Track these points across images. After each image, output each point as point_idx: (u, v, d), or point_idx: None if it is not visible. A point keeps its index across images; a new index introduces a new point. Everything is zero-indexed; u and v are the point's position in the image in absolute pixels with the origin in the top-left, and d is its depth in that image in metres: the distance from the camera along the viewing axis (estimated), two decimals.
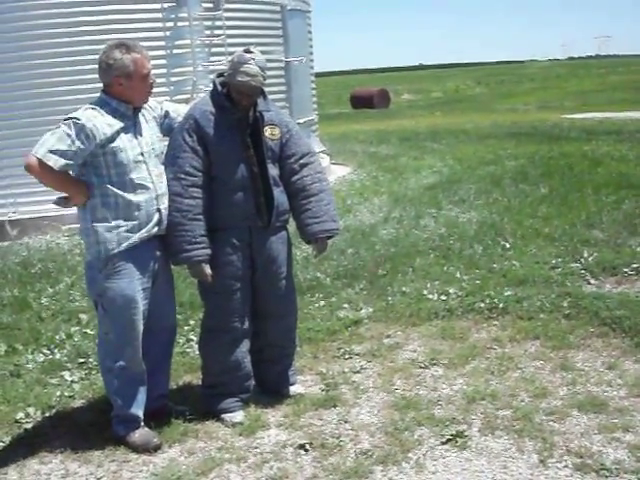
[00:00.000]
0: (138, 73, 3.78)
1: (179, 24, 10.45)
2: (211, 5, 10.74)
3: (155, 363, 4.11)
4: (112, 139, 3.73)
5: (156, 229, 3.89)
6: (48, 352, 5.34)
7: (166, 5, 10.31)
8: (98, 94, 3.88)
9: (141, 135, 3.87)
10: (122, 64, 3.74)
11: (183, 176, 3.94)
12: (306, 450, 3.83)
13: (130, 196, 3.77)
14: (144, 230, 3.83)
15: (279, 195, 4.14)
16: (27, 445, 4.07)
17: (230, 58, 4.09)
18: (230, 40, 10.63)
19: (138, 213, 3.80)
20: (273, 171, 4.13)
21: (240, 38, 10.73)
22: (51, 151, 3.60)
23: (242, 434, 4.04)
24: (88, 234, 3.81)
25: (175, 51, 10.42)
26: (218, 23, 10.78)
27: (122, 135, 3.77)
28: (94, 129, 3.67)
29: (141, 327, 3.90)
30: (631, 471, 3.42)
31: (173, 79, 10.34)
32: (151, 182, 3.84)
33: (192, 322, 5.57)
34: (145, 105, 4.00)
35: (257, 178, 4.06)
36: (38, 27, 9.80)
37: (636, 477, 3.36)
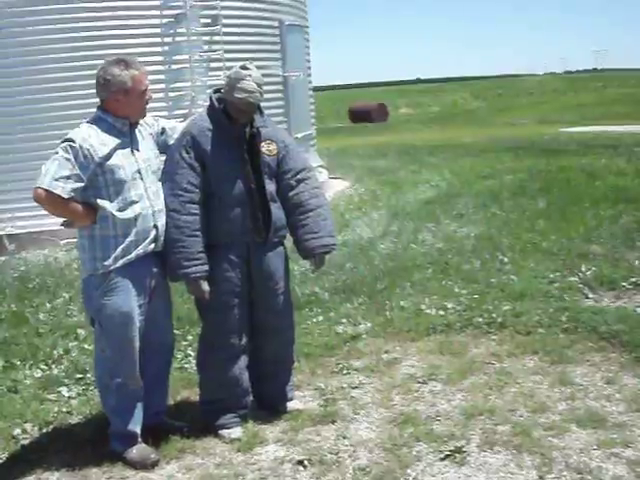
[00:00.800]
0: (136, 89, 3.78)
1: (177, 39, 10.50)
2: (209, 21, 10.79)
3: (153, 380, 4.09)
4: (109, 157, 3.72)
5: (152, 245, 3.87)
6: (46, 367, 5.33)
7: (165, 21, 10.36)
8: (94, 110, 3.89)
9: (138, 151, 3.87)
10: (120, 80, 3.74)
11: (180, 192, 3.93)
12: (304, 466, 3.81)
13: (127, 213, 3.76)
14: (140, 247, 3.82)
15: (276, 211, 4.14)
16: (24, 461, 4.06)
17: (227, 75, 4.09)
18: (228, 55, 10.66)
19: (135, 230, 3.78)
20: (270, 187, 4.13)
21: (238, 53, 10.77)
22: (56, 179, 3.59)
23: (240, 450, 4.02)
24: (84, 250, 3.81)
25: (173, 66, 10.46)
26: (216, 38, 10.83)
27: (119, 152, 3.76)
28: (90, 149, 3.67)
29: (137, 343, 3.87)
30: None
31: (171, 94, 10.37)
32: (147, 199, 3.83)
33: (190, 337, 5.56)
34: (142, 121, 4.00)
35: (254, 194, 4.07)
36: (37, 42, 9.84)
37: None
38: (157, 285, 3.98)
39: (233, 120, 4.05)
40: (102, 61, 3.86)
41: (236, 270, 4.09)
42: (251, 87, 3.94)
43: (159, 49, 10.32)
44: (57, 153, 3.67)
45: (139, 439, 3.99)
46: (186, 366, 5.11)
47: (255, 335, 4.29)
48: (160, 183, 3.97)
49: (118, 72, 3.74)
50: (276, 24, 12.21)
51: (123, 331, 3.82)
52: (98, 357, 4.02)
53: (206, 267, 3.98)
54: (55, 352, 5.57)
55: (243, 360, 4.25)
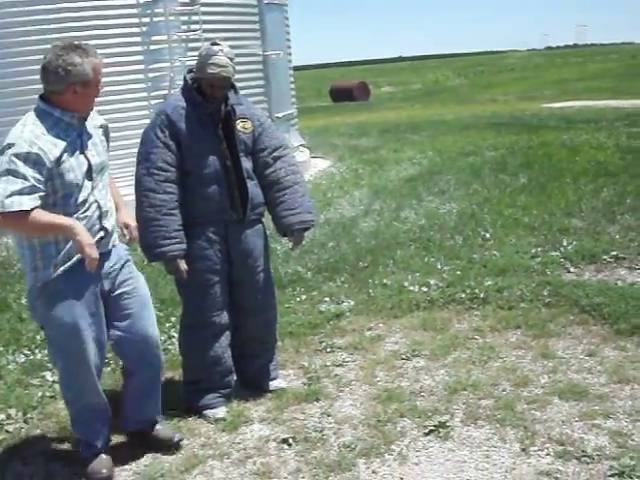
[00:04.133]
0: (95, 80, 3.32)
1: (155, 19, 10.36)
2: (187, 0, 10.68)
3: (141, 385, 3.79)
4: (59, 160, 3.26)
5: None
6: (29, 352, 5.31)
7: (142, 1, 10.22)
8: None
9: (87, 148, 3.42)
10: (82, 70, 3.25)
11: (156, 171, 3.93)
12: (289, 444, 3.83)
13: (69, 218, 3.30)
14: None
15: (253, 188, 4.14)
16: (9, 446, 4.05)
17: (198, 53, 4.08)
18: (207, 35, 10.53)
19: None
20: (246, 164, 4.13)
21: (217, 33, 10.64)
22: (8, 196, 3.12)
23: (225, 430, 4.04)
24: (25, 261, 3.43)
25: (152, 47, 10.32)
26: (195, 18, 10.72)
27: (69, 151, 3.31)
28: (40, 154, 3.18)
29: (92, 356, 3.48)
30: (612, 457, 3.45)
31: (150, 75, 10.25)
32: (94, 200, 3.43)
33: (173, 319, 5.55)
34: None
35: (230, 171, 4.07)
36: (6, 15, 9.64)
37: (617, 463, 3.38)
38: (118, 283, 3.59)
39: (208, 98, 4.04)
40: (51, 46, 3.34)
41: (214, 248, 4.09)
42: (224, 61, 3.95)
43: (137, 29, 10.18)
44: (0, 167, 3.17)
45: (101, 451, 3.72)
46: (170, 347, 5.10)
47: (237, 314, 4.29)
48: (107, 179, 3.59)
49: (79, 60, 3.23)
50: (255, 2, 12.09)
51: (71, 343, 3.44)
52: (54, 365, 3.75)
53: (183, 246, 3.97)
54: (38, 337, 5.54)
55: (225, 339, 4.25)
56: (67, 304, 3.38)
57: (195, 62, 4.08)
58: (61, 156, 3.26)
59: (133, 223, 3.81)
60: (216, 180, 4.04)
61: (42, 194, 3.20)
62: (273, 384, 4.45)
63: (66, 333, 3.41)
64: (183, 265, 4.00)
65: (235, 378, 4.40)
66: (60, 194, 3.30)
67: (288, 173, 4.20)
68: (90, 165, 3.40)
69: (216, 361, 4.23)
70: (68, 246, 3.33)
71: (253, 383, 4.46)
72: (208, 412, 4.19)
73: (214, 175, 4.04)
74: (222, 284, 4.16)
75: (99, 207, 3.46)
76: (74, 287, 3.40)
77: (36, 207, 3.18)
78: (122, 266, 3.63)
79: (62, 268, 3.35)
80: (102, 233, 3.48)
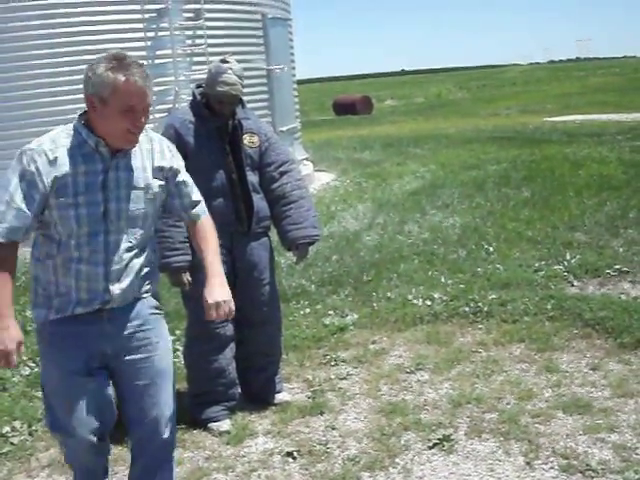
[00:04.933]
0: (117, 102, 2.65)
1: (160, 34, 10.45)
2: (192, 15, 10.75)
3: (148, 472, 3.09)
4: (63, 186, 2.68)
5: (99, 306, 2.83)
6: (33, 365, 5.31)
7: (147, 15, 10.31)
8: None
9: (115, 187, 2.76)
10: (100, 81, 2.65)
11: None
12: (294, 457, 3.83)
13: (64, 274, 2.78)
14: (80, 307, 2.81)
15: (259, 201, 4.19)
16: (14, 459, 4.05)
17: (208, 68, 4.13)
18: (211, 49, 10.62)
19: (74, 287, 2.78)
20: (252, 178, 4.18)
21: (221, 47, 10.71)
22: None
23: (230, 443, 4.04)
24: (31, 292, 2.91)
25: (157, 61, 10.40)
26: (199, 32, 10.79)
27: (79, 182, 2.70)
28: (36, 174, 2.65)
29: (83, 412, 2.88)
30: (616, 471, 3.44)
31: (155, 89, 10.29)
32: (104, 253, 2.76)
33: (178, 332, 5.55)
34: (141, 145, 2.86)
35: (236, 185, 4.12)
36: (14, 40, 9.70)
37: (621, 477, 3.38)
38: (125, 349, 2.91)
39: (215, 113, 4.10)
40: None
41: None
42: (232, 80, 4.00)
43: (142, 44, 10.24)
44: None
45: None
46: (175, 360, 5.09)
47: (242, 327, 4.30)
48: (134, 231, 2.84)
49: (102, 71, 2.66)
50: (259, 17, 12.18)
51: (60, 398, 2.91)
52: None
53: (188, 257, 4.01)
54: None
55: (229, 351, 4.27)
56: (59, 355, 2.86)
57: (203, 77, 4.14)
58: (65, 182, 2.68)
59: (218, 299, 2.93)
60: (222, 193, 4.09)
61: (27, 225, 2.68)
62: (278, 397, 4.46)
63: (56, 386, 2.91)
64: (187, 277, 4.05)
65: (240, 391, 4.41)
66: (60, 229, 2.73)
67: (294, 188, 4.24)
68: (106, 208, 2.74)
69: (220, 373, 4.24)
70: (65, 292, 2.80)
71: (258, 396, 4.46)
72: (212, 425, 4.20)
73: (220, 188, 4.08)
74: None
75: (108, 262, 2.77)
76: (71, 338, 2.82)
77: (13, 242, 2.69)
78: (138, 329, 2.93)
79: (57, 316, 2.82)
80: (106, 296, 2.80)
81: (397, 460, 3.73)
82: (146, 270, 2.91)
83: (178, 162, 2.97)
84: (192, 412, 4.29)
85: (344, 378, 4.77)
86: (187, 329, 4.39)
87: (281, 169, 4.25)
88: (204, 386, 4.26)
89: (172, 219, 3.94)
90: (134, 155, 2.82)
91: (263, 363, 4.44)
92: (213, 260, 2.98)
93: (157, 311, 3.04)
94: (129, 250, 2.82)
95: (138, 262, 2.86)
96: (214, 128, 4.10)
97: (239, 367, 4.35)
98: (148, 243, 2.92)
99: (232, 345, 4.28)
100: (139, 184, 2.81)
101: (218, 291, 2.93)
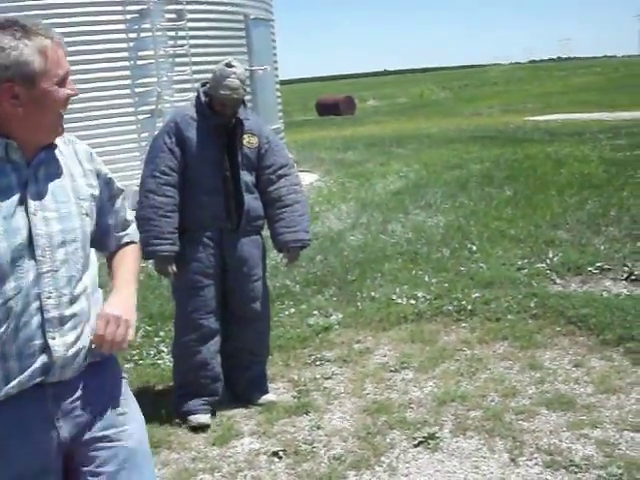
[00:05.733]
0: (50, 73, 1.93)
1: (142, 35, 10.42)
2: (174, 16, 10.73)
3: None
4: None
5: (40, 378, 1.98)
6: None
7: (129, 16, 10.28)
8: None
9: (37, 201, 1.97)
10: (18, 56, 1.88)
11: (158, 174, 4.07)
12: (280, 457, 3.84)
13: None
14: (14, 381, 1.94)
15: (251, 201, 4.24)
16: None
17: (213, 70, 4.20)
18: (194, 50, 10.62)
19: (2, 350, 1.93)
20: (247, 177, 4.23)
21: (204, 48, 10.75)
22: None
23: (215, 444, 4.04)
24: None
25: (139, 62, 10.37)
26: (182, 33, 10.77)
27: None
28: None
29: None
30: (599, 466, 3.48)
31: (137, 90, 10.29)
32: (36, 293, 1.95)
33: (162, 333, 5.56)
34: (61, 145, 2.09)
35: (228, 182, 4.18)
36: None
37: (604, 472, 3.41)
38: (86, 429, 2.09)
39: (217, 112, 4.17)
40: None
41: (207, 252, 4.18)
42: (235, 84, 4.08)
43: (124, 45, 10.22)
44: None
45: None
46: (159, 362, 5.11)
47: (230, 324, 4.35)
48: (82, 263, 2.06)
49: (13, 42, 1.88)
50: (241, 18, 12.18)
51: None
52: None
53: (175, 247, 4.07)
54: None
55: (214, 344, 4.29)
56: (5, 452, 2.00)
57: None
58: None
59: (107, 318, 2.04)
60: (214, 189, 4.15)
61: None
62: (263, 398, 4.46)
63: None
64: (172, 267, 4.10)
65: (223, 385, 4.40)
66: None
67: (290, 192, 4.30)
68: (31, 234, 1.94)
69: (204, 365, 4.26)
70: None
71: (243, 397, 4.47)
72: (191, 417, 4.21)
73: (212, 184, 4.15)
74: (213, 289, 4.23)
75: (41, 308, 1.95)
76: (10, 419, 1.98)
77: None
78: (97, 402, 2.12)
79: (2, 392, 1.94)
80: (44, 357, 1.96)
81: (383, 459, 3.74)
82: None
83: (106, 168, 2.24)
84: (175, 406, 4.31)
85: (329, 378, 4.78)
86: (175, 320, 4.46)
87: (279, 172, 4.30)
88: (187, 376, 4.28)
89: (163, 210, 4.02)
90: (54, 160, 2.05)
91: (248, 361, 4.45)
92: (124, 275, 2.24)
93: (121, 375, 2.26)
94: (73, 288, 2.03)
95: (87, 305, 2.07)
96: (214, 126, 4.17)
97: (225, 365, 4.37)
98: (93, 280, 2.13)
99: (217, 339, 4.30)
100: (69, 197, 2.05)
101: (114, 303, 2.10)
